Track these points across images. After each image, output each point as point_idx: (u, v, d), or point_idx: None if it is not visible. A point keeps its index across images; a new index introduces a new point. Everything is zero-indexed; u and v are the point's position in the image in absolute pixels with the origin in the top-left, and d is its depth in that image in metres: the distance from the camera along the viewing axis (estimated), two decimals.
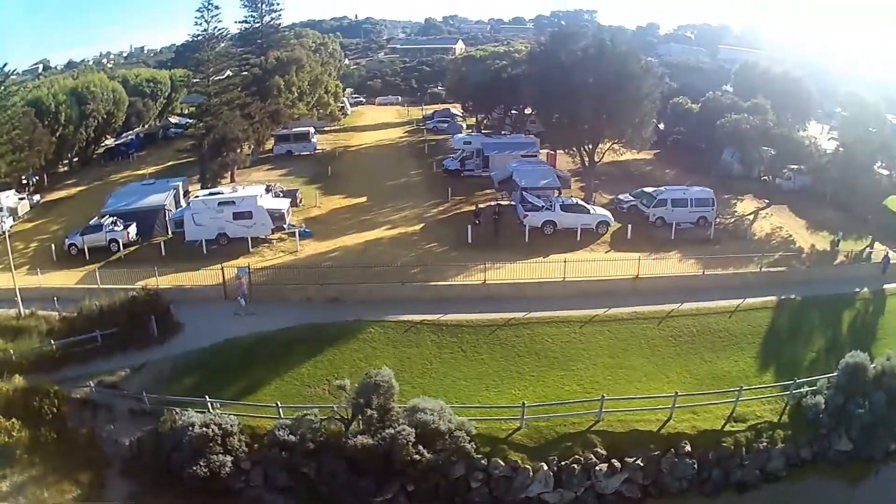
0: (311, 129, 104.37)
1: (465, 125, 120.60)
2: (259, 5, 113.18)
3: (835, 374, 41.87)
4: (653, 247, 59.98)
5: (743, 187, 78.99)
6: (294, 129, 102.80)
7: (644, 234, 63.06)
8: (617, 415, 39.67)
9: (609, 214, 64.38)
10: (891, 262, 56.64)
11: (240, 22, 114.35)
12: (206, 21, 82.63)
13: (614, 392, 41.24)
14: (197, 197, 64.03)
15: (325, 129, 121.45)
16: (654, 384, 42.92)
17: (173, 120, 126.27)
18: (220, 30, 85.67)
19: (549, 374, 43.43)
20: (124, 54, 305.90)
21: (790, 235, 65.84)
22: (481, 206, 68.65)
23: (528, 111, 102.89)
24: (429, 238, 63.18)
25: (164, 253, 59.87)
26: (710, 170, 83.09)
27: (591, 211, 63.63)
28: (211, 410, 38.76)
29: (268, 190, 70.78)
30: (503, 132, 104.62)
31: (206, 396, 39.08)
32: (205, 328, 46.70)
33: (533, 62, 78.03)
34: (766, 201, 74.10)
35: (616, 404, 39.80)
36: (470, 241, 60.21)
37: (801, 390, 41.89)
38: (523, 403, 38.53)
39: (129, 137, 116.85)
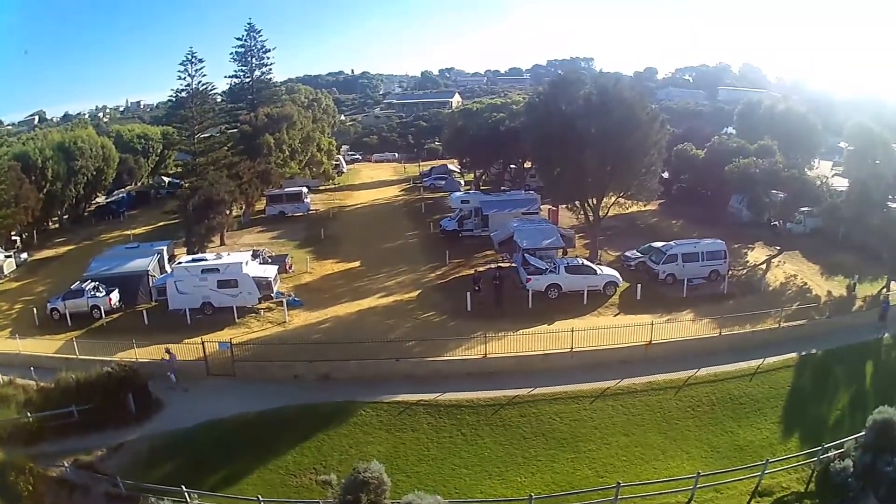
0: (305, 189, 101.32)
1: (462, 182, 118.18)
2: (249, 59, 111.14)
3: (862, 433, 38.44)
4: (664, 307, 56.58)
5: (752, 234, 76.06)
6: (286, 189, 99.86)
7: (654, 292, 59.56)
8: (634, 500, 35.83)
9: (617, 274, 60.72)
10: (890, 306, 53.18)
11: (229, 76, 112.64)
12: (189, 76, 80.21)
13: (630, 474, 37.48)
14: (180, 263, 60.41)
15: (320, 187, 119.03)
16: (673, 462, 39.17)
17: (166, 179, 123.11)
18: (205, 84, 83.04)
19: (558, 457, 39.42)
20: (121, 108, 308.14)
21: (805, 283, 62.87)
22: (481, 269, 65.21)
23: (527, 165, 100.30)
24: (426, 306, 59.35)
25: (147, 321, 56.37)
26: (717, 218, 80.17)
27: (598, 271, 59.90)
28: (189, 501, 35.10)
29: (255, 255, 67.77)
30: (503, 188, 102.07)
31: (183, 486, 35.11)
32: (185, 407, 43.56)
33: (531, 113, 75.15)
34: (778, 248, 71.21)
35: (633, 489, 35.82)
36: (469, 308, 56.42)
37: (829, 455, 38.41)
38: (530, 496, 34.22)
39: (121, 196, 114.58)
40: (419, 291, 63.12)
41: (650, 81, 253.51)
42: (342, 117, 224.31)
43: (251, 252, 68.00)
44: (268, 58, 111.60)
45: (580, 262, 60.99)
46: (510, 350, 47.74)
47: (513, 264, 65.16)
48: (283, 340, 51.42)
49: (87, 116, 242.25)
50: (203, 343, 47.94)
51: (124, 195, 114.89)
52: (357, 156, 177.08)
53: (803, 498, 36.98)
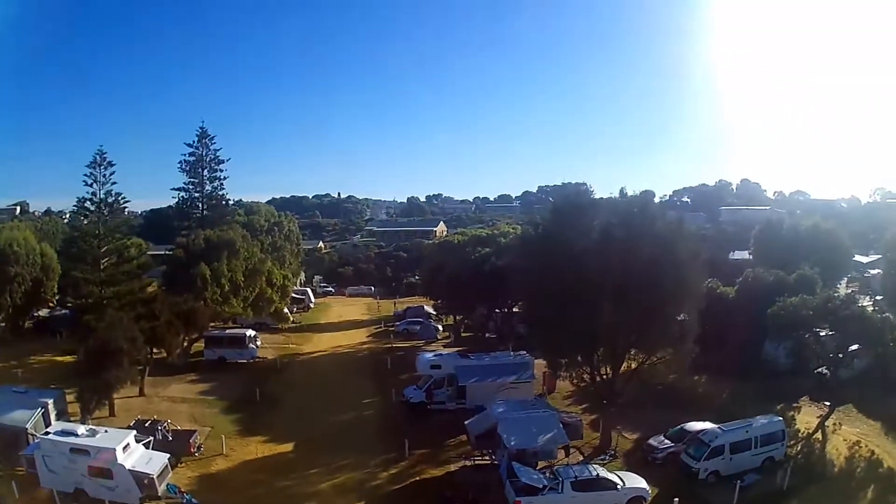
0: (250, 333, 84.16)
1: (441, 327, 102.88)
2: (200, 171, 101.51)
3: None
4: None
5: (794, 387, 61.21)
6: (228, 332, 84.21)
7: (693, 501, 42.77)
8: None
9: (643, 484, 42.90)
10: None
11: (177, 189, 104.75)
12: (96, 182, 69.50)
13: None
14: (47, 435, 45.90)
15: (279, 325, 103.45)
16: None
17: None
18: (115, 195, 71.87)
19: None
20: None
21: (873, 453, 49.79)
22: (453, 469, 49.88)
23: (516, 309, 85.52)
24: None
25: (17, 494, 43.12)
26: (750, 369, 66.60)
27: (618, 483, 42.18)
28: None
29: (153, 428, 52.28)
30: (487, 334, 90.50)
31: None
32: None
33: (525, 250, 58.01)
34: (828, 403, 55.70)
35: None
36: None
37: None
38: None
39: (63, 312, 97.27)
40: None
41: None
42: (320, 244, 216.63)
43: (148, 423, 53.82)
44: (220, 169, 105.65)
45: (594, 473, 42.88)
46: None
47: (494, 462, 48.87)
48: None
49: (67, 215, 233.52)
50: None
51: (67, 312, 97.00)
52: (330, 288, 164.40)
53: None
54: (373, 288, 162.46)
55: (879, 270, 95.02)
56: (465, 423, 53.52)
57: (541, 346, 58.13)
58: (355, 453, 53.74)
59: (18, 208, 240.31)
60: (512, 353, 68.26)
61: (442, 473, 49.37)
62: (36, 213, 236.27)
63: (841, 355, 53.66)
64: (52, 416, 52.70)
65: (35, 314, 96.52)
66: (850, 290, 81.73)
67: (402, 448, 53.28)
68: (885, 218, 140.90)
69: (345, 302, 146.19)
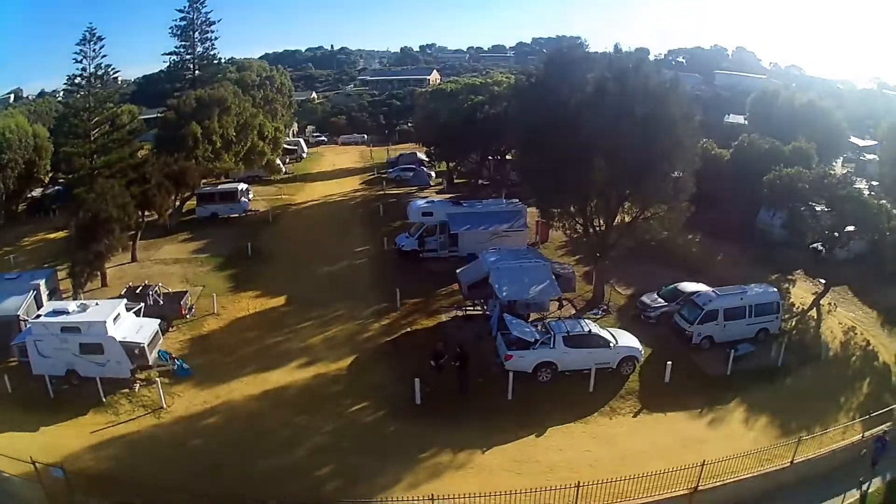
0: (242, 187, 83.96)
1: (434, 173, 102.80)
2: (191, 34, 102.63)
3: None
4: (703, 394, 40.06)
5: (789, 259, 60.80)
6: (219, 188, 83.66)
7: (687, 367, 42.33)
8: None
9: (636, 344, 42.33)
10: (887, 446, 33.32)
11: (168, 53, 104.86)
12: (86, 57, 67.33)
13: None
14: (38, 317, 43.48)
15: (271, 177, 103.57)
16: None
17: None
18: (105, 67, 69.56)
19: None
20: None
21: (868, 343, 48.05)
22: (445, 318, 50.13)
23: (509, 156, 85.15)
24: (358, 389, 40.86)
25: (9, 388, 41.02)
26: (744, 233, 66.57)
27: (611, 342, 41.53)
28: None
29: (144, 293, 51.11)
30: (480, 181, 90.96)
31: None
32: None
33: (519, 99, 56.73)
34: (823, 281, 55.51)
35: None
36: (419, 401, 38.33)
37: None
38: None
39: (56, 188, 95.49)
40: (354, 357, 45.18)
41: None
42: (313, 94, 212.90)
43: (139, 289, 52.72)
44: (212, 31, 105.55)
45: (586, 328, 42.13)
46: None
47: (486, 312, 48.86)
48: (150, 448, 35.74)
49: (60, 94, 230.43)
50: (34, 464, 31.08)
51: (60, 188, 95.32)
52: (322, 137, 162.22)
53: None
54: (365, 136, 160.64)
55: (875, 156, 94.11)
56: (457, 271, 53.16)
57: (533, 195, 57.62)
58: (347, 304, 53.70)
59: (12, 96, 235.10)
60: (504, 200, 67.69)
61: (433, 324, 49.39)
62: (29, 97, 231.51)
63: (836, 234, 53.30)
64: (45, 297, 50.75)
65: (28, 195, 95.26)
66: (846, 171, 77.98)
67: (394, 298, 53.13)
68: (882, 106, 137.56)
69: (337, 151, 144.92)
